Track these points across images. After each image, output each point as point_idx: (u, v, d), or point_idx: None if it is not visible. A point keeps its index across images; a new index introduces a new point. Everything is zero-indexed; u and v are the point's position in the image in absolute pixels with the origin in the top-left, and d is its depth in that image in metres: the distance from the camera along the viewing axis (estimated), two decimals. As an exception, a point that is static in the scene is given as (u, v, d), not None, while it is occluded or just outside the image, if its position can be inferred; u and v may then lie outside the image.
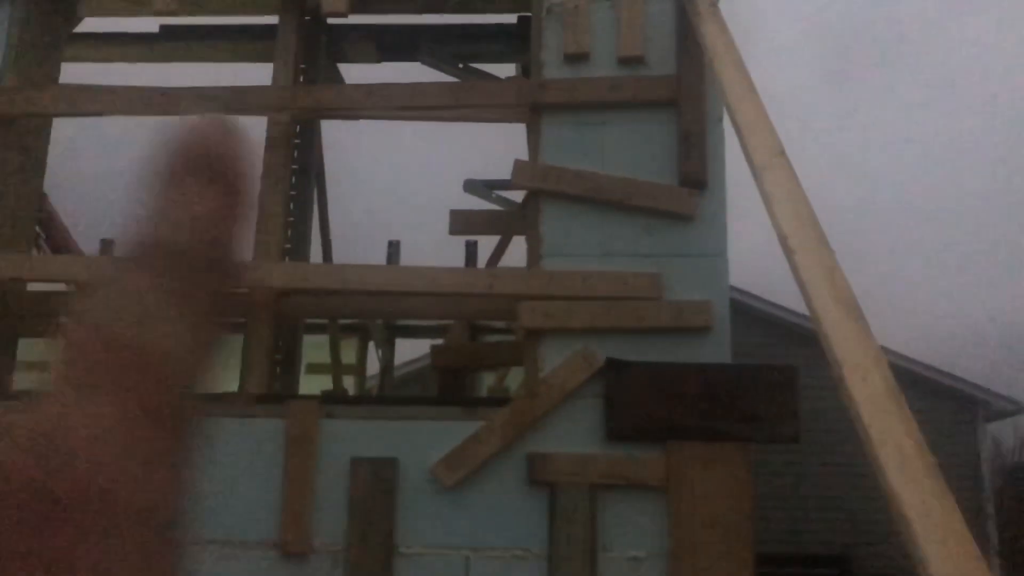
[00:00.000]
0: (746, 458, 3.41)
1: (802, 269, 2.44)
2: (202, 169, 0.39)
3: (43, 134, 4.57)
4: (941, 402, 11.33)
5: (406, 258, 7.50)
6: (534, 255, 3.84)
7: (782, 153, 2.81)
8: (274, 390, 4.19)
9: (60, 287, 5.22)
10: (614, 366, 3.52)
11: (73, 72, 4.91)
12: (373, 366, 8.19)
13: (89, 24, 5.10)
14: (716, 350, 3.57)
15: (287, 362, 4.49)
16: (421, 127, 4.98)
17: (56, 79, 4.65)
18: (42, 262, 4.48)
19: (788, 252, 2.48)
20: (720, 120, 3.84)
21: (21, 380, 4.67)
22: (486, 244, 6.94)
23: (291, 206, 4.52)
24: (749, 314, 10.74)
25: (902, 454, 1.97)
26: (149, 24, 5.25)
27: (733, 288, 3.96)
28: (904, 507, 2.02)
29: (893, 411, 2.07)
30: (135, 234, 0.38)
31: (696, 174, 3.75)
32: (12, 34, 4.28)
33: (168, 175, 0.38)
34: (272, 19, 4.73)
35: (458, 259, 7.10)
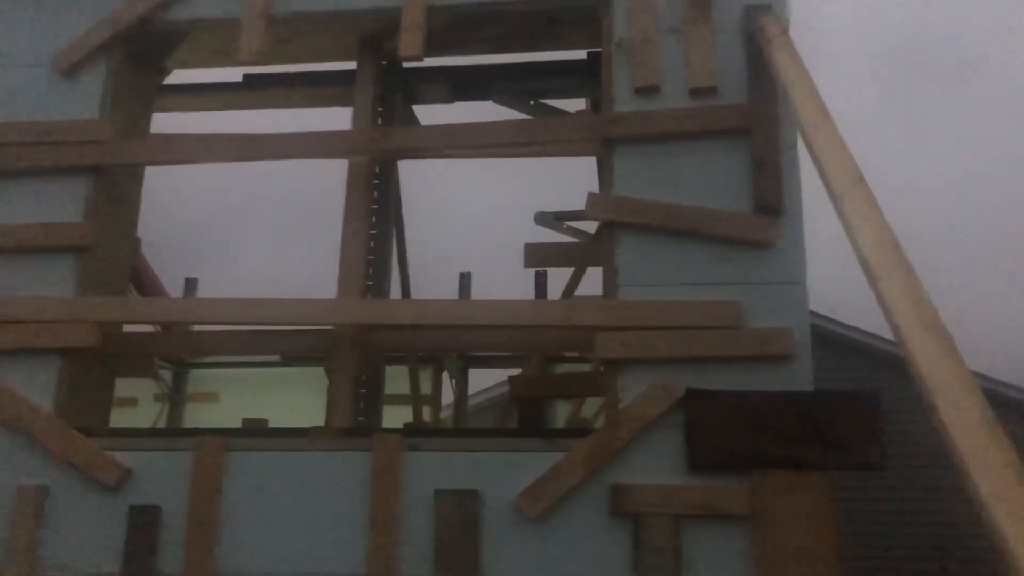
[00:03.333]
0: (829, 486, 3.37)
1: (887, 296, 2.43)
2: None
3: (137, 182, 4.80)
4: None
5: (476, 290, 7.61)
6: (610, 286, 3.88)
7: (861, 180, 2.81)
8: (359, 424, 4.29)
9: (151, 328, 5.44)
10: (695, 396, 3.52)
11: (163, 122, 5.16)
12: (447, 396, 8.29)
13: (177, 76, 5.35)
14: (797, 377, 3.55)
15: (370, 395, 4.60)
16: (487, 161, 5.08)
17: (148, 129, 4.89)
18: (137, 304, 4.68)
19: (872, 279, 2.47)
20: (794, 146, 3.84)
21: (115, 417, 4.87)
22: (555, 275, 7.01)
23: (371, 244, 4.65)
24: (825, 337, 10.55)
25: (1001, 485, 1.94)
26: (234, 74, 5.49)
27: (812, 313, 3.93)
28: (1002, 535, 1.99)
29: (989, 440, 2.04)
30: None
31: (771, 201, 3.75)
32: (107, 88, 4.52)
33: None
34: (350, 65, 4.91)
35: (527, 290, 7.18)
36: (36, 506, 3.79)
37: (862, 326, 11.03)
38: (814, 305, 3.94)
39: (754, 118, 3.87)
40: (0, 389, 3.99)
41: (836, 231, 2.98)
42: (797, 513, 3.32)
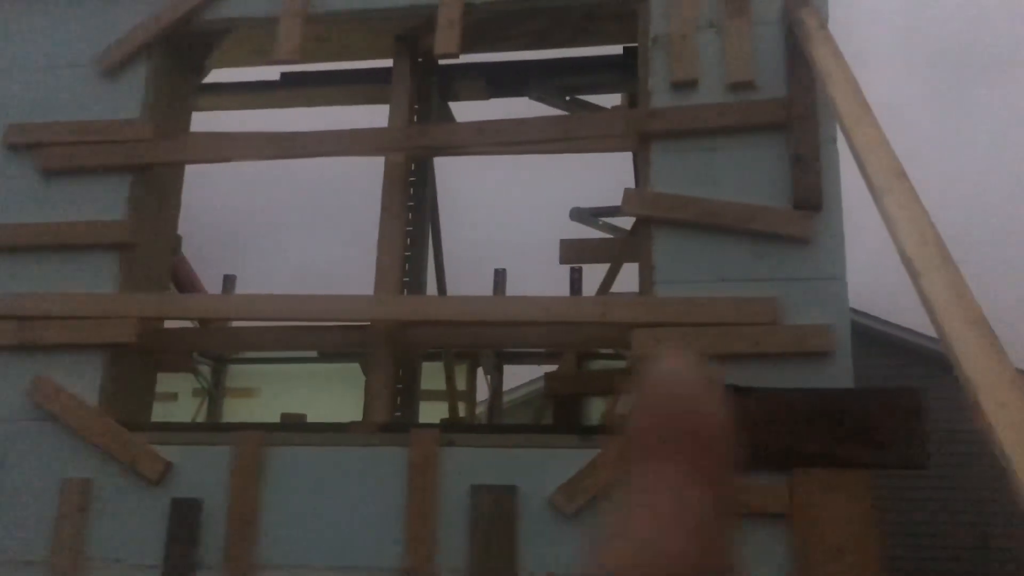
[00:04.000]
0: (869, 485, 3.32)
1: (929, 291, 2.39)
2: (684, 450, 0.38)
3: (177, 180, 4.87)
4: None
5: (510, 287, 7.61)
6: (646, 282, 3.86)
7: (903, 174, 2.77)
8: (395, 419, 4.31)
9: (190, 324, 5.51)
10: (732, 392, 3.50)
11: (202, 120, 5.22)
12: (481, 392, 8.32)
13: (216, 75, 5.41)
14: (838, 374, 3.51)
15: (407, 391, 4.62)
16: (522, 157, 5.08)
17: (188, 128, 4.96)
18: (177, 301, 4.75)
19: (913, 275, 2.43)
20: (834, 140, 3.79)
21: (155, 411, 4.95)
22: (589, 272, 6.99)
23: (408, 241, 4.67)
24: (867, 335, 10.42)
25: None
26: (271, 72, 5.54)
27: (851, 310, 3.88)
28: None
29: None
30: (629, 554, 0.36)
31: (810, 196, 3.71)
32: (148, 88, 4.59)
33: (648, 455, 0.38)
34: (386, 62, 4.93)
35: (561, 287, 7.17)
36: (81, 498, 3.86)
37: (905, 323, 10.87)
38: (857, 303, 3.89)
39: (792, 112, 3.82)
40: (45, 384, 4.07)
41: (878, 226, 2.95)
42: (837, 511, 3.28)
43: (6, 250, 4.34)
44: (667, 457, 0.38)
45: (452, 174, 6.51)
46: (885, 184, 2.74)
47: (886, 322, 11.09)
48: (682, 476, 0.37)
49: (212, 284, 7.91)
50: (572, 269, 7.13)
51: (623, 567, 0.35)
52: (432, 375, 7.04)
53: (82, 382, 4.10)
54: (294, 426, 4.74)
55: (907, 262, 2.52)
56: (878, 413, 3.33)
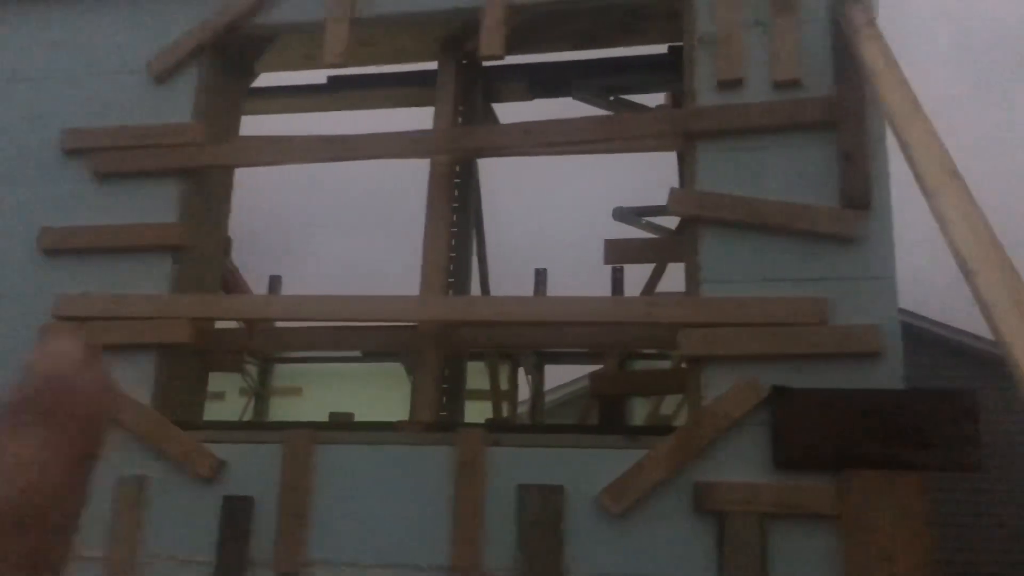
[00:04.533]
0: (922, 488, 3.28)
1: (985, 292, 2.36)
2: (47, 414, 0.43)
3: (227, 183, 4.96)
4: None
5: (551, 287, 7.62)
6: (693, 282, 3.85)
7: (956, 173, 2.73)
8: (442, 418, 4.35)
9: (237, 325, 5.60)
10: (781, 393, 3.47)
11: (253, 125, 5.31)
12: (523, 392, 8.34)
13: (265, 79, 5.50)
14: (887, 375, 3.47)
15: (452, 391, 4.66)
16: (561, 158, 5.09)
17: (238, 131, 5.04)
18: (228, 302, 4.84)
19: (969, 275, 2.40)
20: (882, 139, 3.75)
21: (205, 410, 5.04)
22: (631, 272, 6.98)
23: (452, 242, 4.71)
24: (919, 336, 10.26)
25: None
26: (318, 76, 5.62)
27: (900, 310, 3.83)
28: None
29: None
30: None
31: (859, 195, 3.68)
32: (199, 92, 4.68)
33: (10, 415, 0.43)
34: (431, 65, 4.98)
35: (602, 287, 7.16)
36: (137, 495, 3.95)
37: (958, 325, 10.68)
38: (909, 304, 3.84)
39: (840, 111, 3.79)
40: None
41: (930, 226, 2.91)
42: (887, 514, 3.25)
43: (64, 252, 4.45)
44: (23, 420, 0.45)
45: (494, 175, 6.54)
46: (938, 183, 2.70)
47: (934, 322, 10.92)
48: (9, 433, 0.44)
49: (258, 285, 8.04)
50: (614, 269, 7.12)
51: None
52: (474, 375, 7.09)
53: (136, 381, 4.19)
54: (343, 425, 4.81)
55: (961, 261, 2.48)
56: (931, 415, 3.29)
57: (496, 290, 6.50)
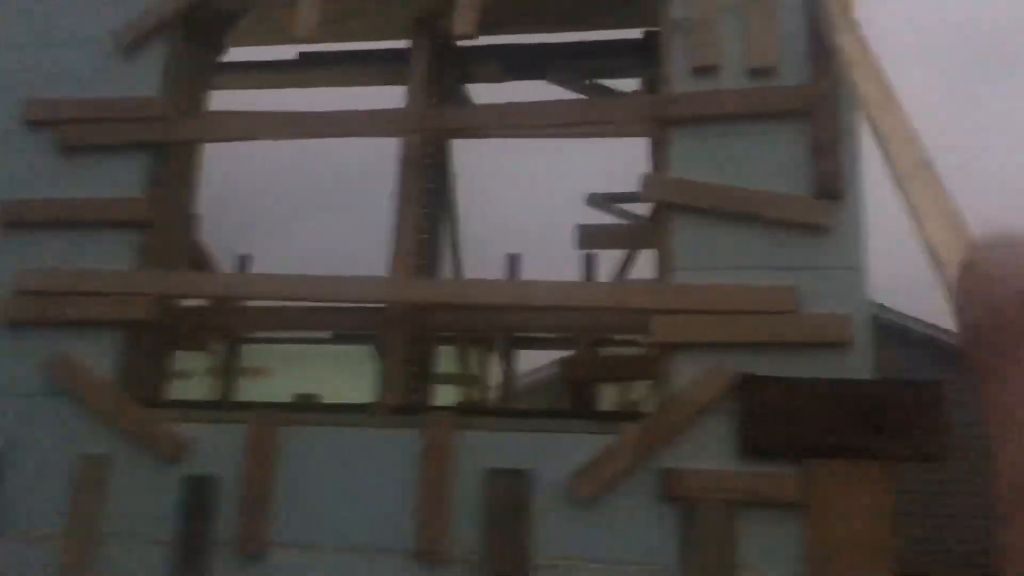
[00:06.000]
0: (887, 477, 3.30)
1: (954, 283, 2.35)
2: None
3: (195, 158, 4.87)
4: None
5: (524, 272, 7.58)
6: (664, 269, 3.84)
7: (929, 164, 2.73)
8: (410, 402, 4.32)
9: (205, 303, 5.52)
10: (750, 381, 3.48)
11: (221, 100, 5.21)
12: (493, 377, 8.31)
13: (234, 54, 5.40)
14: (856, 365, 3.48)
15: (422, 374, 4.63)
16: (536, 142, 5.05)
17: (206, 106, 4.95)
18: (193, 279, 4.76)
19: (939, 265, 2.40)
20: (856, 129, 3.75)
21: (175, 389, 4.97)
22: (604, 258, 6.96)
23: (424, 223, 4.66)
24: (889, 329, 10.38)
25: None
26: (289, 52, 5.52)
27: (876, 304, 3.85)
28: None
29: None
30: None
31: (831, 185, 3.68)
32: (167, 65, 4.58)
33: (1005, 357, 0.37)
34: (404, 43, 4.91)
35: (575, 273, 7.14)
36: (98, 474, 3.89)
37: (927, 318, 10.81)
38: (881, 296, 3.85)
39: (815, 99, 3.78)
40: (63, 360, 4.08)
41: (899, 218, 2.91)
42: (853, 503, 3.27)
43: (25, 226, 4.35)
44: None
45: (470, 158, 6.49)
46: (910, 173, 2.70)
47: (903, 315, 11.04)
48: None
49: (228, 264, 7.92)
50: (586, 255, 7.10)
51: None
52: (445, 359, 7.05)
53: (99, 359, 4.11)
54: (308, 406, 4.76)
55: (932, 252, 2.48)
56: (899, 405, 3.30)
57: (470, 275, 6.46)
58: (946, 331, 10.21)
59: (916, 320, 11.01)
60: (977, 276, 0.36)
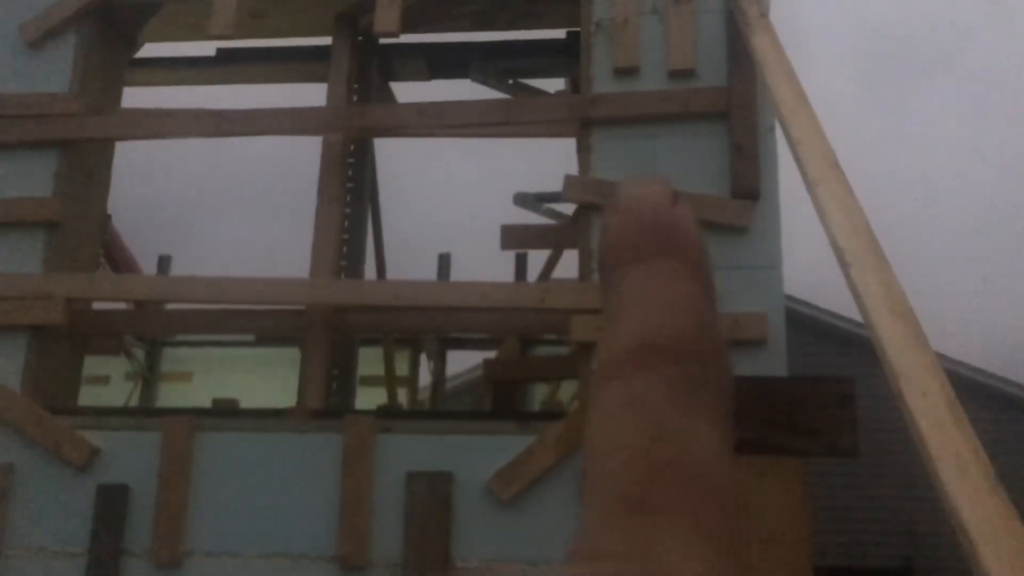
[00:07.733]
0: (803, 472, 3.37)
1: (858, 282, 2.42)
2: (666, 247, 0.37)
3: (107, 157, 4.72)
4: (1007, 412, 11.03)
5: (456, 272, 7.55)
6: (586, 268, 3.85)
7: (836, 165, 2.79)
8: (330, 405, 4.25)
9: (122, 305, 5.37)
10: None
11: (135, 97, 5.06)
12: (424, 378, 8.26)
13: (149, 50, 5.25)
14: (771, 362, 3.55)
15: (343, 377, 4.56)
16: (469, 140, 5.04)
17: (118, 104, 4.80)
18: (106, 281, 4.61)
19: (844, 265, 2.46)
20: (772, 131, 3.82)
21: (85, 395, 4.81)
22: (536, 257, 6.97)
23: (345, 223, 4.60)
24: (804, 321, 10.60)
25: (961, 467, 1.93)
26: (207, 48, 5.40)
27: (789, 297, 3.92)
28: (965, 522, 1.99)
29: (952, 424, 2.04)
30: (630, 334, 0.35)
31: (748, 185, 3.74)
32: (77, 61, 4.43)
33: (631, 258, 0.36)
34: (325, 40, 4.83)
35: (508, 271, 7.13)
36: (2, 485, 3.74)
37: (840, 311, 11.07)
38: (792, 289, 3.93)
39: (733, 102, 3.84)
40: (-35, 366, 3.92)
41: (814, 216, 2.97)
42: (769, 498, 3.32)
43: (-77, 227, 4.16)
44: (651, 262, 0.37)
45: (396, 157, 6.44)
46: (819, 173, 2.76)
47: (820, 308, 11.27)
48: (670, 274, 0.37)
49: (147, 265, 7.71)
50: (518, 255, 7.09)
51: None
52: (372, 361, 6.97)
53: (5, 364, 3.96)
54: (225, 411, 4.65)
55: (838, 252, 2.54)
56: (809, 401, 3.37)
57: (398, 275, 6.39)
58: (851, 320, 10.44)
59: (830, 312, 11.25)
60: (614, 208, 0.37)
